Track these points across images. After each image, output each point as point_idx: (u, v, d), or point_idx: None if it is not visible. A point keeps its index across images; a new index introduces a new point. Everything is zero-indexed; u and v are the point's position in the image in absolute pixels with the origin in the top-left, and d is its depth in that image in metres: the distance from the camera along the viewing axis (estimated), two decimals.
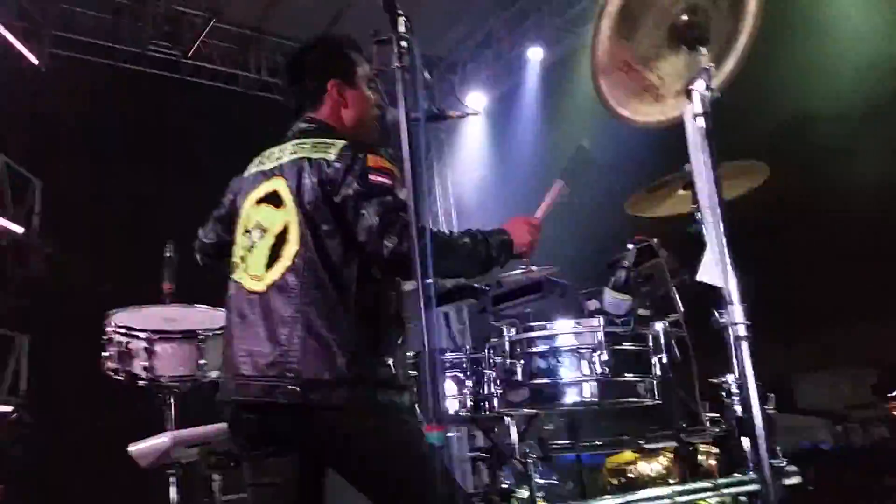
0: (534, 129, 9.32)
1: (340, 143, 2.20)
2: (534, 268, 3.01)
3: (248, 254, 2.17)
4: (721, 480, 2.13)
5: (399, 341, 2.11)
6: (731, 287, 1.73)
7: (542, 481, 3.27)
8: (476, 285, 3.17)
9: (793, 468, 2.15)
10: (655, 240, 2.56)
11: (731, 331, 1.70)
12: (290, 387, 2.00)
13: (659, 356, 2.38)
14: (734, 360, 1.70)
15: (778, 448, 2.15)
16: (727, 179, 2.43)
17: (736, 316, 1.72)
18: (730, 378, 2.40)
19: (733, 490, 2.07)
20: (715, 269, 1.77)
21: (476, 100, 9.67)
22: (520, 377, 2.40)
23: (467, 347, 2.73)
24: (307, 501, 2.12)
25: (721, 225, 1.77)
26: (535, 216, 2.38)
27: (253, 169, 2.32)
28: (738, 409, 2.32)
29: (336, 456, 2.07)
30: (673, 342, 2.45)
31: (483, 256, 2.14)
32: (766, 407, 2.25)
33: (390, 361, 2.05)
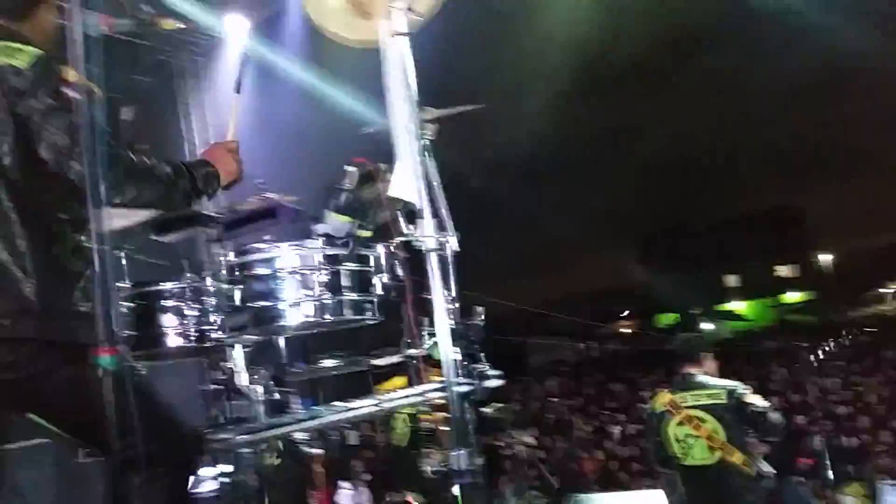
0: (300, 55, 9.01)
1: (34, 50, 1.97)
2: (270, 195, 2.96)
3: None
4: (427, 386, 2.28)
5: (87, 272, 1.96)
6: (423, 201, 1.81)
7: (302, 410, 3.29)
8: (207, 213, 3.05)
9: (495, 372, 2.35)
10: (380, 165, 2.60)
11: (421, 244, 1.79)
12: None
13: (380, 276, 2.45)
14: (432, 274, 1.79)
15: (481, 353, 2.34)
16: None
17: (426, 229, 1.80)
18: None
19: (438, 395, 2.22)
20: (407, 184, 1.83)
21: (236, 23, 9.09)
22: (239, 302, 2.36)
23: (189, 276, 2.61)
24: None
25: (415, 142, 1.83)
26: (229, 140, 2.40)
27: None
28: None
29: (23, 390, 1.90)
30: (397, 263, 2.53)
31: (187, 188, 2.10)
32: (473, 318, 2.42)
33: (78, 291, 1.91)
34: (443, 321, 1.73)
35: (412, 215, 2.10)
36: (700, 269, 31.44)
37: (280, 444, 6.42)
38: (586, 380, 20.10)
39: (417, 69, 1.94)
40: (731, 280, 33.84)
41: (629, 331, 31.18)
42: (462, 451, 1.84)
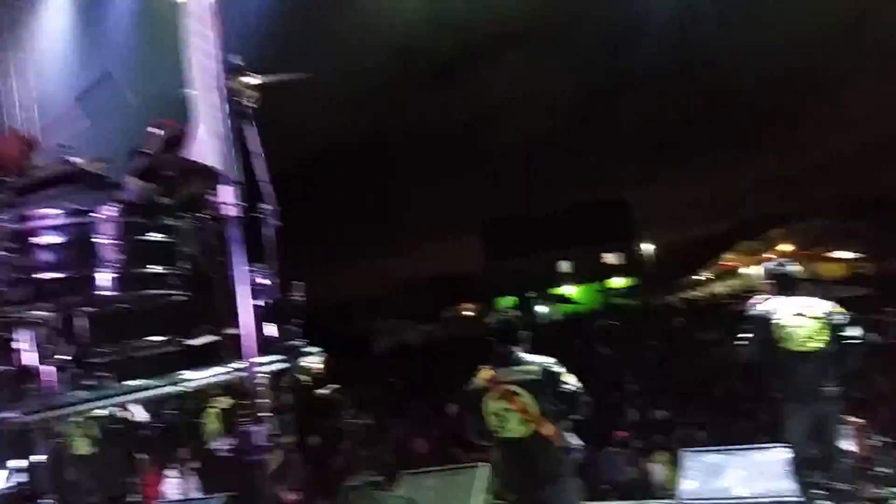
0: (131, 8, 8.39)
1: None
2: (76, 159, 2.71)
3: None
4: (235, 364, 2.18)
5: None
6: (227, 166, 1.70)
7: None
8: None
9: (312, 349, 2.30)
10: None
11: (221, 210, 1.68)
12: None
13: (188, 249, 2.29)
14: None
15: (299, 330, 2.27)
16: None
17: (226, 197, 1.70)
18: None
19: (243, 374, 2.13)
20: (207, 146, 1.71)
21: None
22: (23, 273, 2.11)
23: None
24: None
25: (219, 102, 1.72)
26: (35, 136, 2.20)
27: None
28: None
29: None
30: (208, 236, 2.38)
31: None
32: (291, 294, 2.34)
33: None
34: (244, 296, 1.64)
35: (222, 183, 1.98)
36: (536, 256, 33.13)
37: (98, 432, 5.96)
38: (426, 360, 20.47)
39: (246, 36, 1.82)
40: (564, 266, 35.87)
41: (470, 313, 32.18)
42: (256, 428, 1.76)
